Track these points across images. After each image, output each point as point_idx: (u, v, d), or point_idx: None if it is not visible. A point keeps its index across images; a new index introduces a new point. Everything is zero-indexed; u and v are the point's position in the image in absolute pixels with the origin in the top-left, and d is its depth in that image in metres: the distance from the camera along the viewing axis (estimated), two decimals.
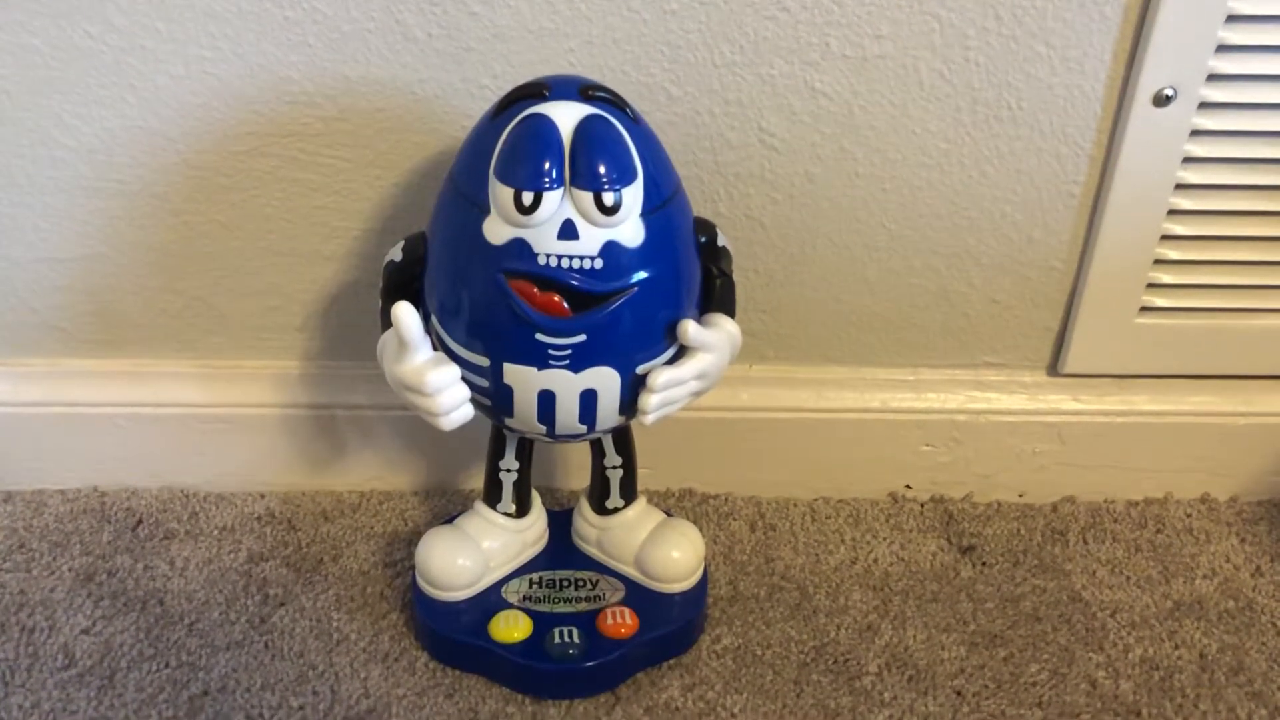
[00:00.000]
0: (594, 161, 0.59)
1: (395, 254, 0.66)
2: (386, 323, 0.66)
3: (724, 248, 0.67)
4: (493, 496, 0.74)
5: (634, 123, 0.62)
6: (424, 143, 0.74)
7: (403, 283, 0.66)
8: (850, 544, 0.83)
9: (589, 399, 0.64)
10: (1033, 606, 0.79)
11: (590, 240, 0.60)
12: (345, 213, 0.77)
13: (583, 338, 0.61)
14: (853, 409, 0.84)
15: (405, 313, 0.61)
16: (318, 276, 0.80)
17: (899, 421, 0.84)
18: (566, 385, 0.63)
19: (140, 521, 0.82)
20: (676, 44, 0.71)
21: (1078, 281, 0.80)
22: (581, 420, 0.65)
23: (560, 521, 0.78)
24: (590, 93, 0.61)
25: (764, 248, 0.78)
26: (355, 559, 0.80)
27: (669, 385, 0.64)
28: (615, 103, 0.61)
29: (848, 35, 0.71)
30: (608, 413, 0.65)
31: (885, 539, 0.84)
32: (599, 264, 0.60)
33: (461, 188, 0.62)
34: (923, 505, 0.87)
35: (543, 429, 0.66)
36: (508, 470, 0.73)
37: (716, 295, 0.68)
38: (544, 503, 0.78)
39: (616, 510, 0.75)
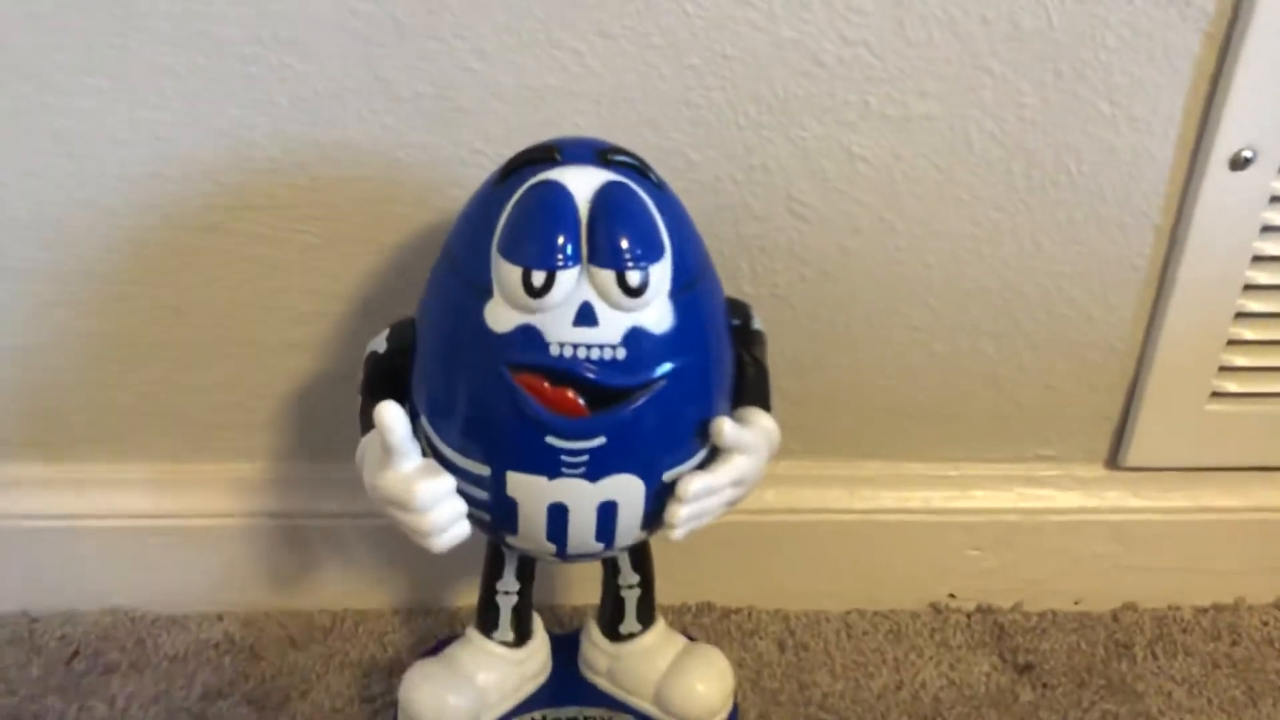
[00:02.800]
0: (616, 235, 0.50)
1: (378, 343, 0.57)
2: (367, 424, 0.56)
3: (759, 331, 0.59)
4: (488, 622, 0.64)
5: (659, 190, 0.53)
6: (408, 215, 0.65)
7: (387, 377, 0.56)
8: (893, 665, 0.73)
9: (608, 512, 0.54)
10: None
11: (611, 327, 0.51)
12: (317, 295, 0.67)
13: (602, 441, 0.52)
14: (890, 509, 0.75)
15: (391, 414, 0.51)
16: (284, 368, 0.70)
17: (942, 523, 0.75)
18: (582, 497, 0.53)
19: (76, 653, 0.71)
20: (697, 103, 0.63)
21: (1141, 364, 0.71)
22: (598, 538, 0.55)
23: (564, 648, 0.68)
24: (609, 157, 0.52)
25: (792, 329, 0.69)
26: (328, 694, 0.69)
27: (702, 494, 0.54)
28: (637, 168, 0.53)
29: (889, 93, 0.63)
30: (628, 528, 0.55)
31: (931, 657, 0.74)
32: (621, 354, 0.51)
33: (459, 266, 0.53)
34: (969, 616, 0.77)
35: (552, 548, 0.56)
36: (506, 593, 0.63)
37: (750, 386, 0.58)
38: (545, 624, 0.68)
39: (632, 636, 0.65)
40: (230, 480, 0.73)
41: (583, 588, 0.76)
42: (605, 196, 0.51)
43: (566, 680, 0.67)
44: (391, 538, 0.74)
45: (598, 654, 0.66)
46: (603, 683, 0.66)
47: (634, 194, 0.51)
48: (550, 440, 0.52)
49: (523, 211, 0.51)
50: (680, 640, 0.66)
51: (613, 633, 0.65)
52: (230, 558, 0.74)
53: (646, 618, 0.65)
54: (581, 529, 0.55)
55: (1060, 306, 0.69)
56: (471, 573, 0.65)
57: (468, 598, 0.76)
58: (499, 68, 0.61)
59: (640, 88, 0.62)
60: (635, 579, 0.64)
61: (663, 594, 0.76)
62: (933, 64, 0.62)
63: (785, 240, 0.67)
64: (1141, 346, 0.71)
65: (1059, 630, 0.76)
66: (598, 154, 0.52)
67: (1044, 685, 0.72)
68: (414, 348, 0.55)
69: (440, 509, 0.53)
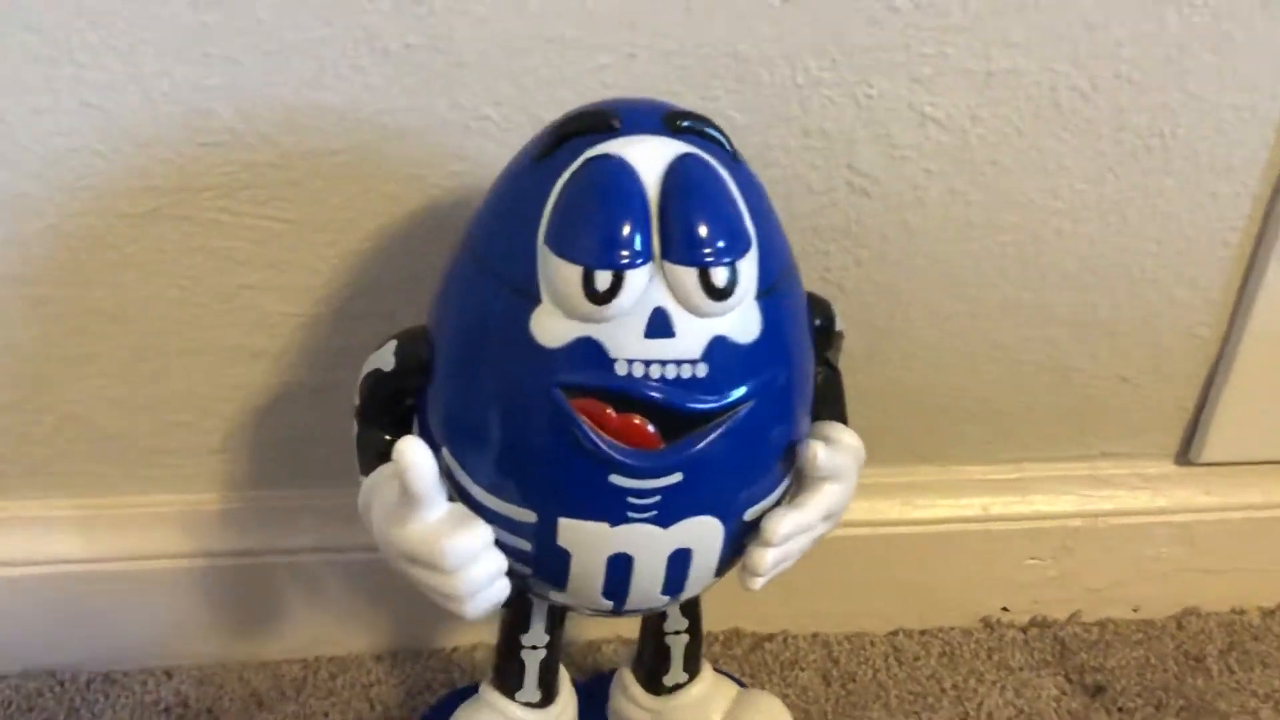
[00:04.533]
0: (695, 223, 0.40)
1: (383, 359, 0.46)
2: (371, 461, 0.45)
3: (840, 332, 0.49)
4: (510, 681, 0.53)
5: (736, 163, 0.43)
6: (398, 196, 0.54)
7: (393, 400, 0.46)
8: (953, 694, 0.65)
9: (680, 562, 0.44)
10: None
11: (690, 337, 0.41)
12: (284, 293, 0.56)
13: (678, 478, 0.42)
14: (946, 519, 0.66)
15: (416, 453, 0.40)
16: (244, 380, 0.58)
17: (1001, 532, 0.67)
18: (651, 545, 0.43)
19: None
20: (746, 56, 0.52)
21: (1225, 349, 0.64)
22: (665, 590, 0.45)
23: (590, 696, 0.58)
24: (678, 123, 0.42)
25: (843, 319, 0.60)
26: None
27: (793, 534, 0.45)
28: (712, 136, 0.43)
29: (971, 43, 0.53)
30: (701, 577, 0.46)
31: (995, 682, 0.66)
32: (702, 371, 0.41)
33: (490, 265, 0.42)
34: (1025, 631, 0.69)
35: (608, 605, 0.46)
36: (534, 647, 0.53)
37: (825, 395, 0.49)
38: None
39: (678, 687, 0.55)
40: (178, 514, 0.61)
41: (599, 620, 0.66)
42: (679, 174, 0.40)
43: None
44: (371, 571, 0.63)
45: (635, 709, 0.56)
46: None
47: (712, 170, 0.41)
48: (615, 480, 0.41)
49: (579, 196, 0.40)
50: (731, 688, 0.57)
51: (655, 685, 0.55)
52: (180, 605, 0.62)
53: (694, 666, 0.55)
54: (647, 582, 0.45)
55: (1142, 288, 0.61)
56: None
57: (465, 635, 0.66)
58: (507, 14, 0.50)
59: (677, 37, 0.52)
60: (684, 624, 0.54)
61: None
62: (1022, 9, 0.53)
63: (841, 218, 0.57)
64: (1226, 330, 0.63)
65: (1123, 644, 0.69)
66: (664, 119, 0.42)
67: (1120, 710, 0.65)
68: (431, 365, 0.44)
69: (476, 567, 0.42)
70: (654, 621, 0.54)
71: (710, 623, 0.67)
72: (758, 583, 0.45)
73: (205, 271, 0.55)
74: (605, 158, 0.40)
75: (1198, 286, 0.62)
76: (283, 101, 0.51)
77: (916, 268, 0.59)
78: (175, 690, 0.62)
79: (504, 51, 0.51)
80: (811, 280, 0.58)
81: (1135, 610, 0.71)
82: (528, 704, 0.53)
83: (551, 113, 0.45)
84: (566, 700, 0.55)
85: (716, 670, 0.57)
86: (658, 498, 0.42)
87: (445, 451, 0.44)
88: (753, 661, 0.66)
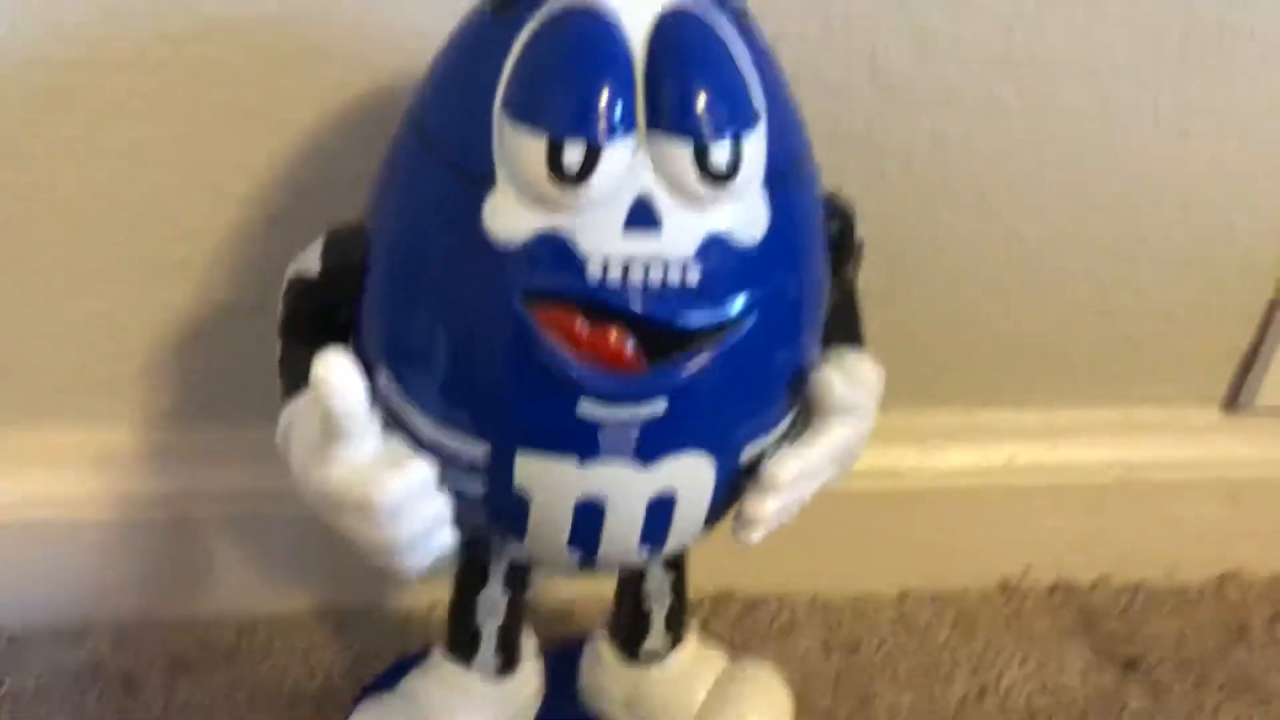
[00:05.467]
0: (690, 88, 0.32)
1: (307, 263, 0.38)
2: (295, 383, 0.38)
3: (861, 243, 0.41)
4: (464, 647, 0.46)
5: (744, 21, 0.35)
6: (340, 79, 0.46)
7: (322, 312, 0.38)
8: (968, 666, 0.58)
9: (662, 509, 0.37)
10: None
11: (680, 232, 0.33)
12: (209, 197, 0.48)
13: (662, 407, 0.34)
14: (966, 470, 0.59)
15: (339, 371, 0.33)
16: (166, 300, 0.50)
17: (1025, 486, 0.60)
18: (628, 488, 0.36)
19: None
20: None
21: None
22: (645, 541, 0.38)
23: (561, 665, 0.51)
24: None
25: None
26: None
27: (799, 479, 0.38)
28: None
29: None
30: (687, 527, 0.38)
31: (1013, 653, 0.59)
32: (694, 275, 0.33)
33: (435, 143, 0.34)
34: (1050, 595, 0.62)
35: (574, 557, 0.38)
36: (491, 609, 0.45)
37: (840, 317, 0.41)
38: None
39: (659, 656, 0.48)
40: (92, 455, 0.53)
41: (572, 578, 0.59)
42: (672, 30, 0.33)
43: (566, 713, 0.50)
44: (315, 519, 0.55)
45: (610, 680, 0.49)
46: (618, 714, 0.49)
47: (710, 28, 0.33)
48: (586, 407, 0.34)
49: (546, 53, 0.32)
50: (720, 658, 0.49)
51: (632, 652, 0.48)
52: (95, 557, 0.55)
53: (677, 632, 0.48)
54: (622, 532, 0.37)
55: (1198, 214, 0.54)
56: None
57: (423, 594, 0.59)
58: None
59: None
60: (667, 582, 0.47)
61: None
62: None
63: (862, 123, 0.49)
64: None
65: (1156, 612, 0.62)
66: None
67: (1154, 684, 0.58)
68: (365, 269, 0.37)
69: (413, 513, 0.35)
70: (632, 579, 0.47)
71: (699, 584, 0.60)
72: (755, 535, 0.38)
73: (116, 171, 0.47)
74: (579, 9, 0.32)
75: (1260, 214, 0.54)
76: None
77: (947, 186, 0.51)
78: (89, 654, 0.54)
79: None
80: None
81: (1169, 574, 0.64)
82: (484, 673, 0.46)
83: None
84: (531, 671, 0.48)
85: (704, 637, 0.50)
86: (637, 430, 0.35)
87: (382, 373, 0.36)
88: (745, 628, 0.59)
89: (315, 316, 0.38)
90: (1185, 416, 0.61)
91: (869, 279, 0.54)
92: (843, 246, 0.40)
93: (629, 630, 0.48)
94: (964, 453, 0.58)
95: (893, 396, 0.58)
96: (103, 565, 0.55)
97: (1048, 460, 0.59)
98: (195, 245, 0.49)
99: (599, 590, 0.56)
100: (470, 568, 0.45)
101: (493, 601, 0.45)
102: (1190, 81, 0.50)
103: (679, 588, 0.47)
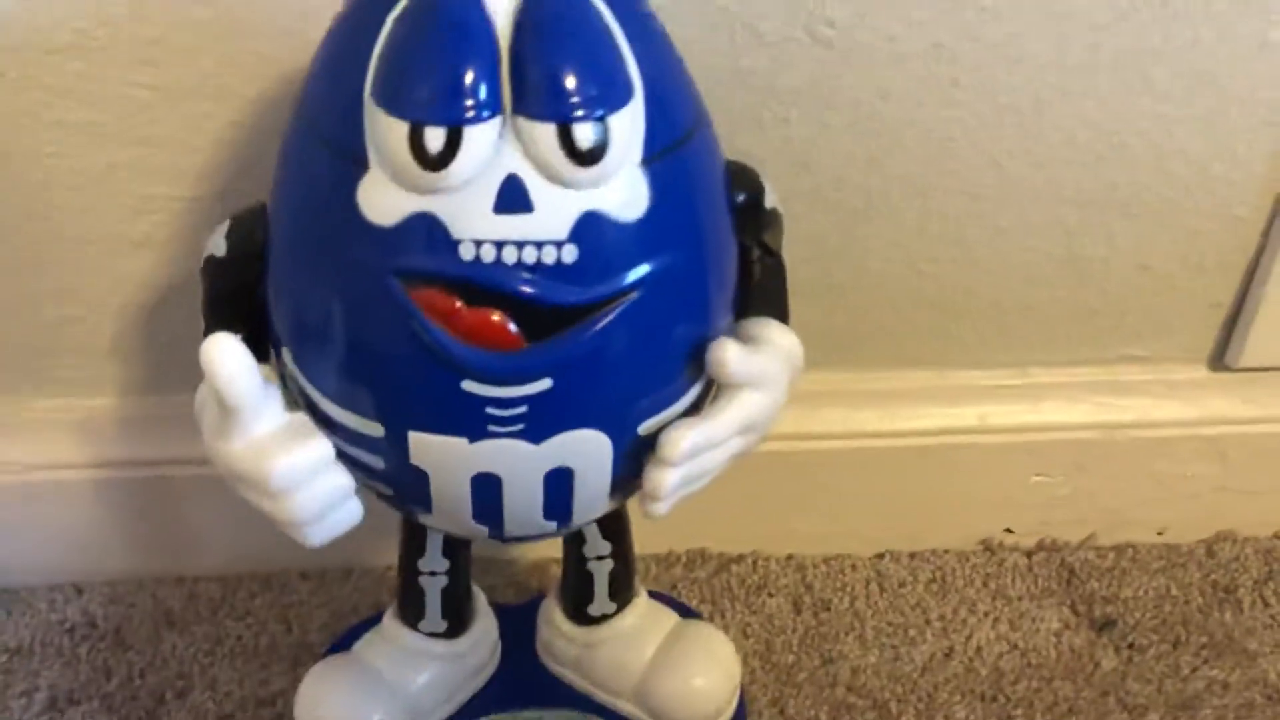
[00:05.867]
0: (555, 67, 0.32)
1: (216, 244, 0.39)
2: None
3: (773, 210, 0.41)
4: (411, 610, 0.47)
5: None
6: (276, 55, 0.46)
7: (232, 292, 0.39)
8: (939, 626, 0.58)
9: (559, 483, 0.37)
10: (1216, 713, 0.54)
11: (553, 212, 0.33)
12: (160, 173, 0.49)
13: (546, 384, 0.35)
14: (938, 429, 0.58)
15: (224, 354, 0.34)
16: (128, 272, 0.52)
17: (1002, 445, 0.59)
18: (520, 464, 0.36)
19: None
20: None
21: (1269, 235, 0.54)
22: (549, 515, 0.39)
23: (518, 626, 0.52)
24: None
25: (810, 200, 0.52)
26: (212, 693, 0.54)
27: (698, 451, 0.38)
28: None
29: None
30: (591, 500, 0.39)
31: (987, 613, 0.58)
32: (570, 254, 0.33)
33: (317, 125, 0.35)
34: (1030, 556, 0.61)
35: (482, 530, 0.39)
36: (432, 573, 0.46)
37: (758, 288, 0.41)
38: (490, 595, 0.52)
39: (605, 618, 0.49)
40: (75, 421, 0.56)
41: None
42: (537, 6, 0.32)
43: (524, 673, 0.51)
44: None
45: (561, 640, 0.50)
46: (568, 675, 0.50)
47: (582, 4, 0.33)
48: (469, 387, 0.34)
49: (407, 36, 0.32)
50: (670, 618, 0.50)
51: (579, 615, 0.49)
52: (87, 518, 0.57)
53: (623, 594, 0.49)
54: (523, 506, 0.38)
55: (1170, 161, 0.52)
56: None
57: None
58: None
59: None
60: (606, 548, 0.47)
61: (644, 540, 0.60)
62: None
63: (804, 75, 0.48)
64: (1271, 212, 0.54)
65: (1141, 571, 0.61)
66: None
67: (1130, 647, 0.57)
68: (266, 249, 0.37)
69: (311, 489, 0.36)
70: (574, 546, 0.48)
71: (673, 541, 0.62)
72: (660, 508, 0.38)
73: (69, 148, 0.48)
74: None
75: (1237, 159, 0.52)
76: None
77: (898, 140, 0.50)
78: (83, 608, 0.57)
79: None
80: (769, 153, 0.50)
81: (1160, 534, 0.63)
82: (433, 634, 0.47)
83: None
84: (483, 630, 0.49)
85: (655, 596, 0.51)
86: (523, 408, 0.35)
87: (285, 351, 0.37)
88: (716, 585, 0.59)
89: (232, 295, 0.39)
90: (1170, 374, 0.59)
91: (828, 238, 0.54)
92: (751, 214, 0.40)
93: (575, 593, 0.49)
94: (934, 412, 0.58)
95: (859, 357, 0.58)
96: (96, 525, 0.58)
97: (1025, 419, 0.58)
98: (152, 221, 0.50)
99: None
100: (410, 535, 0.46)
101: (434, 567, 0.46)
102: (1147, 21, 0.48)
103: (621, 553, 0.48)
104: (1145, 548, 0.62)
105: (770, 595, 0.59)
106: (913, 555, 0.61)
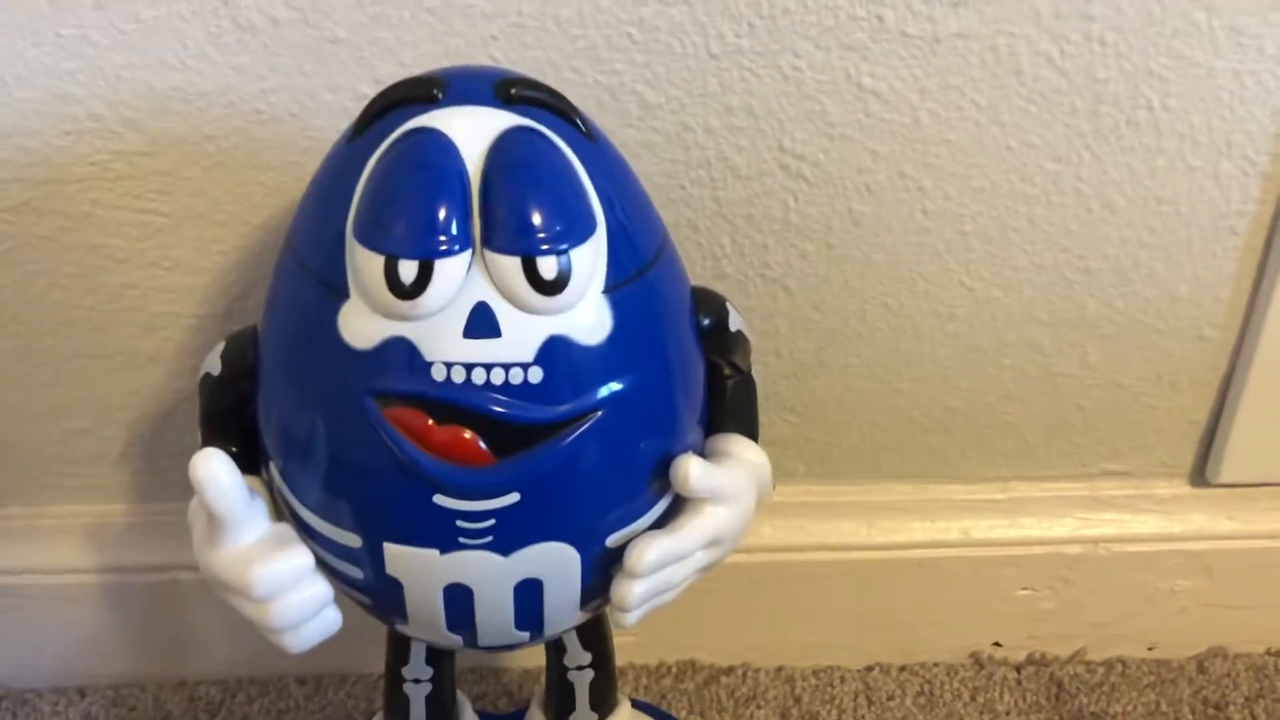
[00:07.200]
0: (521, 205, 0.35)
1: (211, 362, 0.41)
2: None
3: (738, 333, 0.43)
4: (397, 717, 0.49)
5: (587, 140, 0.37)
6: (278, 186, 0.50)
7: (226, 408, 0.41)
8: None
9: (529, 594, 0.39)
10: None
11: (520, 337, 0.35)
12: (170, 293, 0.52)
13: (514, 499, 0.36)
14: (920, 543, 0.59)
15: (211, 468, 0.36)
16: (138, 385, 0.55)
17: (985, 558, 0.59)
18: (491, 575, 0.38)
19: None
20: (653, 25, 0.47)
21: (1238, 355, 0.56)
22: (520, 625, 0.40)
23: None
24: (511, 91, 0.37)
25: (789, 321, 0.54)
26: None
27: (663, 563, 0.39)
28: (556, 108, 0.37)
29: (911, 3, 0.47)
30: (562, 611, 0.40)
31: None
32: (536, 376, 0.36)
33: (303, 256, 0.38)
34: (1019, 670, 0.62)
35: (457, 640, 0.41)
36: (416, 681, 0.48)
37: (728, 406, 0.43)
38: (481, 704, 0.53)
39: None
40: (83, 527, 0.58)
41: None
42: (505, 149, 0.35)
43: None
44: None
45: None
46: None
47: (547, 144, 0.36)
48: (440, 500, 0.36)
49: (385, 175, 0.35)
50: None
51: None
52: (92, 622, 0.59)
53: (605, 704, 0.50)
54: (494, 616, 0.39)
55: (1137, 284, 0.54)
56: None
57: None
58: None
59: (575, 4, 0.46)
60: (586, 658, 0.48)
61: (634, 651, 0.62)
62: None
63: (778, 207, 0.51)
64: (1240, 332, 0.55)
65: (1131, 687, 0.61)
66: (495, 87, 0.37)
67: None
68: (257, 369, 0.40)
69: (292, 597, 0.38)
70: (555, 656, 0.49)
71: (662, 654, 0.62)
72: (628, 618, 0.40)
73: (85, 270, 0.51)
74: (421, 131, 0.35)
75: (1202, 282, 0.54)
76: (148, 85, 0.47)
77: (870, 264, 0.53)
78: (86, 711, 0.59)
79: (380, 23, 0.46)
80: (750, 278, 0.53)
81: (1150, 649, 0.63)
82: None
83: None
84: None
85: (641, 707, 0.52)
86: (492, 521, 0.37)
87: (273, 466, 0.40)
88: (705, 697, 0.60)
89: (225, 411, 0.42)
90: (1152, 490, 0.60)
91: (806, 355, 0.56)
92: (717, 337, 0.42)
93: (557, 703, 0.50)
94: (915, 526, 0.59)
95: (839, 471, 0.59)
96: (100, 629, 0.59)
97: (1007, 534, 0.59)
98: (161, 338, 0.53)
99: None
100: (394, 643, 0.48)
101: (417, 675, 0.48)
102: (1106, 155, 0.50)
103: (601, 663, 0.49)
104: (1135, 663, 0.62)
105: (759, 707, 0.60)
106: (902, 668, 0.62)
